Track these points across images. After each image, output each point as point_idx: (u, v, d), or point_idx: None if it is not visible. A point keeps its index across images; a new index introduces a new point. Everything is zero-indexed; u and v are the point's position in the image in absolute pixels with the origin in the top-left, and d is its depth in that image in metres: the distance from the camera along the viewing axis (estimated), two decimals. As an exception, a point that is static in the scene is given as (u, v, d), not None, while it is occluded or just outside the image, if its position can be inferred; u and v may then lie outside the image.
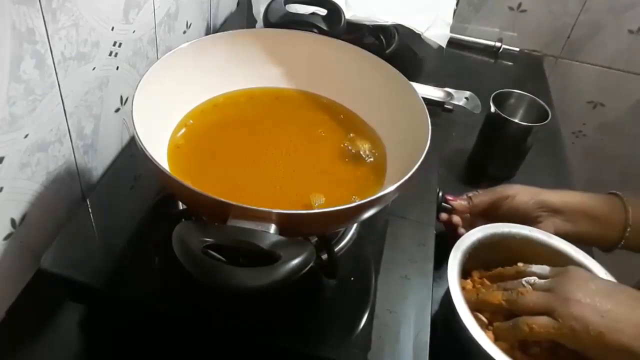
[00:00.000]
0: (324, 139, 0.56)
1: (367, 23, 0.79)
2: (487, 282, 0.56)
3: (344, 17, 0.69)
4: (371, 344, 0.45)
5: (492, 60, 1.10)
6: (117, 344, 0.50)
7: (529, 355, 0.50)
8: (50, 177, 0.53)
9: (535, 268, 0.53)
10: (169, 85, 0.52)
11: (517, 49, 1.12)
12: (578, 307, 0.46)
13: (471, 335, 0.47)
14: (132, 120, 0.44)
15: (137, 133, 0.43)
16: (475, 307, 0.52)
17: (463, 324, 0.48)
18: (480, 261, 0.57)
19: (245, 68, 0.59)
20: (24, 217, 0.51)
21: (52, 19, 0.47)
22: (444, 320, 0.54)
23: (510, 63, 1.10)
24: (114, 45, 0.59)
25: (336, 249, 0.51)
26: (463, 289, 0.55)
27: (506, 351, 0.48)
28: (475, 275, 0.57)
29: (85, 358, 0.51)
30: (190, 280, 0.36)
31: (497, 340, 0.50)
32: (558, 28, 1.10)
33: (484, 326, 0.52)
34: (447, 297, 0.51)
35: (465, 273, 0.56)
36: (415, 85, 0.54)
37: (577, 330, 0.45)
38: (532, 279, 0.51)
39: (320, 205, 0.48)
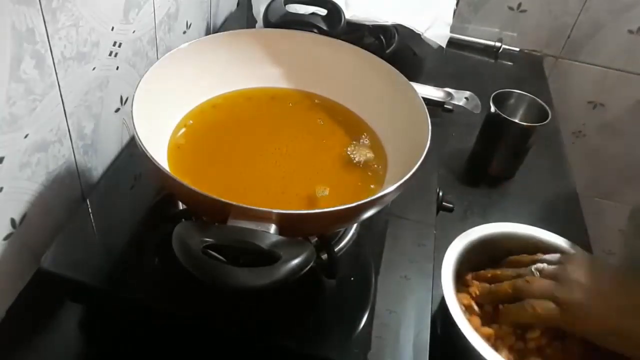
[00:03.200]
0: (323, 139, 0.56)
1: (367, 23, 0.79)
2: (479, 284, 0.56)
3: (344, 17, 0.69)
4: (371, 344, 0.45)
5: (492, 60, 1.10)
6: (117, 344, 0.50)
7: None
8: (50, 177, 0.53)
9: (547, 257, 0.54)
10: (169, 85, 0.52)
11: (517, 49, 1.12)
12: (580, 292, 0.47)
13: (469, 343, 0.47)
14: (132, 120, 0.44)
15: (137, 133, 0.43)
16: (485, 300, 0.53)
17: (459, 329, 0.48)
18: (477, 262, 0.57)
19: (245, 68, 0.59)
20: (24, 217, 0.51)
21: (52, 19, 0.47)
22: (443, 323, 0.54)
23: (510, 63, 1.10)
24: (114, 45, 0.59)
25: (336, 249, 0.51)
26: (467, 280, 0.55)
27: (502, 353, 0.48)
28: (469, 277, 0.57)
29: (85, 358, 0.51)
30: (190, 280, 0.36)
31: (500, 322, 0.51)
32: (558, 28, 1.10)
33: (473, 314, 0.52)
34: (443, 302, 0.51)
35: (472, 268, 0.57)
36: (415, 85, 0.54)
37: (579, 316, 0.46)
38: (542, 265, 0.52)
39: (323, 197, 0.48)
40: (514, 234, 0.58)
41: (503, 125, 0.75)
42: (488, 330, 0.51)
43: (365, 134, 0.57)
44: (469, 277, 0.56)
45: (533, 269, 0.52)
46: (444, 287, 0.51)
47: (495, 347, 0.49)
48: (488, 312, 0.53)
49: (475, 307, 0.53)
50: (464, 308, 0.52)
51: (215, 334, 0.47)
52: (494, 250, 0.57)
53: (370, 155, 0.54)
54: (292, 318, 0.47)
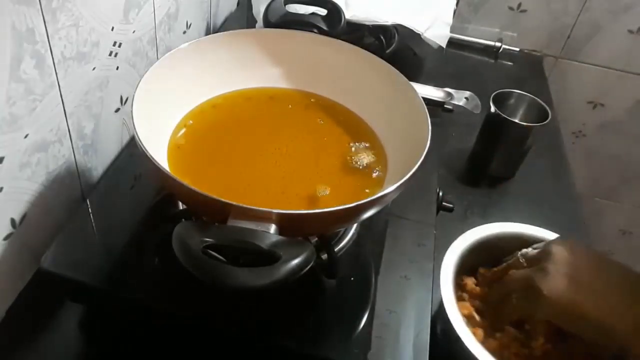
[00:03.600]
0: (324, 139, 0.56)
1: (367, 23, 0.79)
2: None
3: (344, 17, 0.69)
4: (371, 344, 0.45)
5: (492, 60, 1.10)
6: (117, 344, 0.50)
7: None
8: (50, 177, 0.53)
9: (537, 245, 0.54)
10: (169, 85, 0.52)
11: (517, 49, 1.12)
12: (554, 277, 0.47)
13: (466, 348, 0.47)
14: (132, 120, 0.44)
15: (137, 133, 0.43)
16: (484, 309, 0.53)
17: (456, 333, 0.48)
18: (482, 260, 0.57)
19: (245, 68, 0.59)
20: (24, 217, 0.51)
21: (52, 19, 0.47)
22: (443, 332, 0.54)
23: (510, 63, 1.10)
24: (114, 45, 0.59)
25: (336, 249, 0.51)
26: (465, 285, 0.55)
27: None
28: (481, 271, 0.57)
29: (85, 358, 0.51)
30: (190, 280, 0.36)
31: (495, 324, 0.51)
32: (558, 28, 1.10)
33: (476, 325, 0.52)
34: (443, 310, 0.51)
35: (470, 270, 0.56)
36: (415, 85, 0.54)
37: (550, 300, 0.46)
38: (527, 250, 0.53)
39: (323, 196, 0.48)
40: (514, 233, 0.58)
41: (503, 125, 0.75)
42: (493, 343, 0.50)
43: (365, 134, 0.57)
44: (468, 281, 0.56)
45: (519, 255, 0.53)
46: (444, 297, 0.50)
47: (502, 358, 0.49)
48: (489, 321, 0.53)
49: (477, 317, 0.53)
50: (465, 319, 0.51)
51: (215, 334, 0.47)
52: (494, 251, 0.57)
53: (370, 155, 0.54)
54: (292, 318, 0.47)
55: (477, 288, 0.55)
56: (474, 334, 0.49)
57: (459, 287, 0.55)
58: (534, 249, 0.53)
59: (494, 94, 0.77)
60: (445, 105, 0.73)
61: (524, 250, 0.53)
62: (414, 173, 0.43)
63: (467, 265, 0.56)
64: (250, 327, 0.46)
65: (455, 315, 0.49)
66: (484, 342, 0.49)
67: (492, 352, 0.48)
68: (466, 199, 0.76)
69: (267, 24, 0.69)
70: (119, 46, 0.60)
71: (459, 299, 0.53)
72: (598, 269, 0.49)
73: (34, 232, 0.53)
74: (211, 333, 0.47)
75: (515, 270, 0.52)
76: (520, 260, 0.52)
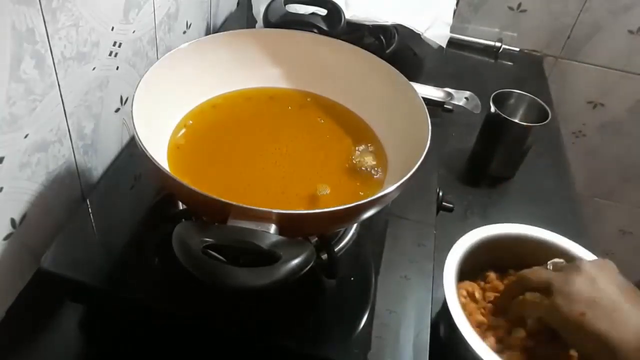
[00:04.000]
0: (323, 139, 0.56)
1: (367, 23, 0.79)
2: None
3: (344, 17, 0.69)
4: (371, 344, 0.45)
5: (492, 60, 1.10)
6: (117, 344, 0.50)
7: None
8: (50, 177, 0.53)
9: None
10: (169, 85, 0.52)
11: (517, 49, 1.12)
12: (572, 286, 0.47)
13: (471, 347, 0.47)
14: (132, 121, 0.44)
15: (137, 133, 0.43)
16: (499, 302, 0.54)
17: (460, 333, 0.48)
18: (487, 261, 0.57)
19: (245, 68, 0.59)
20: (24, 217, 0.51)
21: (52, 19, 0.47)
22: (446, 326, 0.54)
23: (510, 63, 1.10)
24: (114, 45, 0.59)
25: (336, 249, 0.51)
26: (471, 292, 0.56)
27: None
28: (491, 275, 0.57)
29: (85, 358, 0.51)
30: (190, 280, 0.36)
31: (500, 315, 0.52)
32: (558, 28, 1.10)
33: (479, 325, 0.52)
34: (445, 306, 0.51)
35: (472, 270, 0.56)
36: (415, 85, 0.54)
37: (561, 309, 0.46)
38: (558, 260, 0.52)
39: (324, 196, 0.48)
40: (516, 234, 0.58)
41: (503, 125, 0.75)
42: (495, 342, 0.51)
43: (365, 134, 0.57)
44: (473, 286, 0.56)
45: (548, 264, 0.52)
46: (447, 295, 0.50)
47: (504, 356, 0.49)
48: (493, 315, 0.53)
49: (481, 317, 0.53)
50: (468, 319, 0.51)
51: (215, 334, 0.47)
52: (496, 251, 0.57)
53: (370, 155, 0.54)
54: (292, 318, 0.47)
55: (485, 290, 0.55)
56: (477, 333, 0.49)
57: (463, 285, 0.55)
58: (567, 260, 0.52)
59: (494, 94, 0.77)
60: (445, 105, 0.73)
61: (555, 260, 0.53)
62: (414, 173, 0.43)
63: (469, 266, 0.56)
64: (250, 327, 0.46)
65: (458, 315, 0.49)
66: (486, 341, 0.49)
67: (494, 350, 0.48)
68: (466, 199, 0.76)
69: (267, 24, 0.69)
70: (119, 46, 0.60)
71: (462, 298, 0.54)
72: (620, 292, 0.47)
73: (34, 232, 0.53)
74: (211, 333, 0.47)
75: (536, 268, 0.52)
76: (549, 267, 0.52)
